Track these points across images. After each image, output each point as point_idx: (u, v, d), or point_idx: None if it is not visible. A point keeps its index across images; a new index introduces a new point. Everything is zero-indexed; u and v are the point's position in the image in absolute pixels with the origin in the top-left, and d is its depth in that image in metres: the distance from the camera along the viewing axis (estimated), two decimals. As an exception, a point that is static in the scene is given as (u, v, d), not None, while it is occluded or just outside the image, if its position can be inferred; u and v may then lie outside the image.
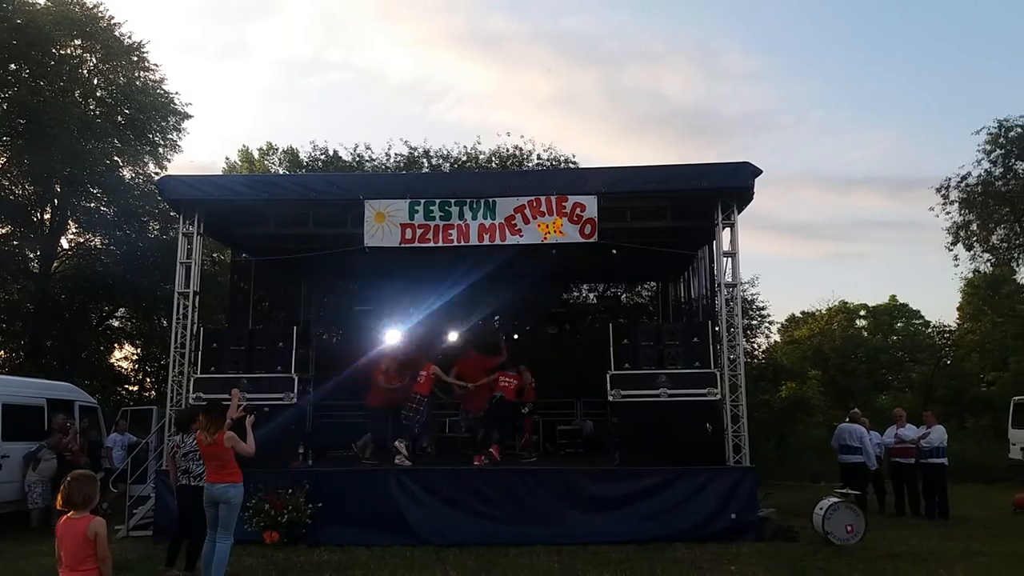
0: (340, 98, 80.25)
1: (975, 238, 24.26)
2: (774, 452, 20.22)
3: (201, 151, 60.38)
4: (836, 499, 9.86)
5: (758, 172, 10.92)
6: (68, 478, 4.72)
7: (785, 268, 63.04)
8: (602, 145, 74.78)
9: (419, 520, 10.09)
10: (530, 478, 10.46)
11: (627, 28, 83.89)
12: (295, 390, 10.92)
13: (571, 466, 11.42)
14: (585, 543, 9.50)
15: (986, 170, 23.29)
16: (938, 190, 24.24)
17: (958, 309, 30.91)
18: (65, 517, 4.64)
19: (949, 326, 31.30)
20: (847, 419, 13.16)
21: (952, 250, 24.73)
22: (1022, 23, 61.06)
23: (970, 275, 26.44)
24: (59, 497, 4.69)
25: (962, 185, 23.74)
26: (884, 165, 69.84)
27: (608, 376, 10.80)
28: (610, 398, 10.81)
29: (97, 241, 22.63)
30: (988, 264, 25.16)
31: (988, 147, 23.18)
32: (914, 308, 36.91)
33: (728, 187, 11.08)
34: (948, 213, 24.29)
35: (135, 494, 11.59)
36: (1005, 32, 63.27)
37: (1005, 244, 24.23)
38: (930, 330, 33.89)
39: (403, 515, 10.11)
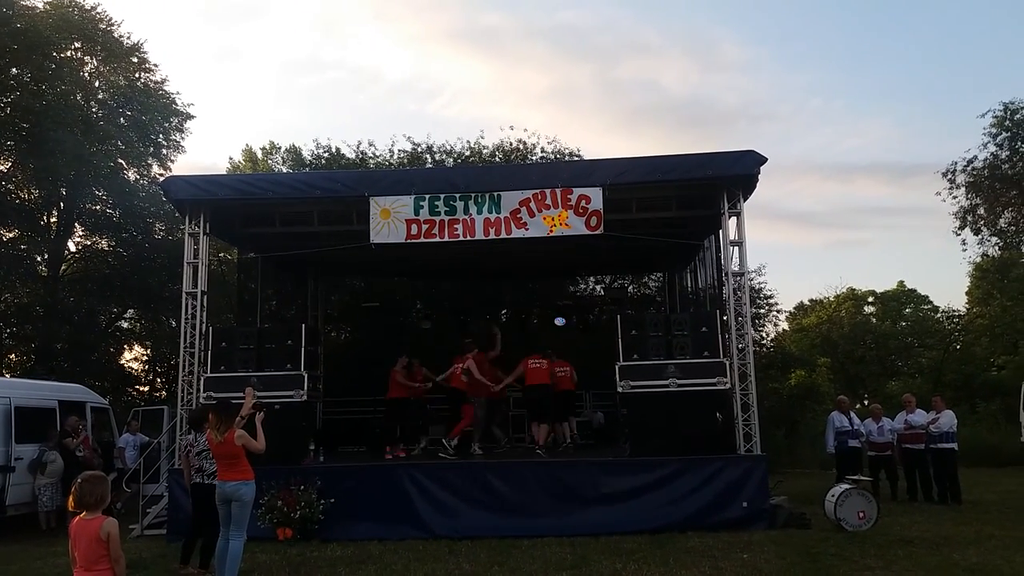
0: (337, 97, 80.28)
1: (983, 222, 24.12)
2: (785, 440, 20.21)
3: (204, 153, 60.42)
4: (848, 486, 9.86)
5: (763, 160, 10.89)
6: (79, 479, 4.71)
7: (789, 257, 62.92)
8: (599, 138, 74.81)
9: (431, 514, 10.13)
10: (541, 470, 10.48)
11: (621, 21, 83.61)
12: (305, 387, 10.97)
13: (582, 457, 11.43)
14: (597, 534, 9.52)
15: (992, 153, 23.18)
16: (944, 174, 24.14)
17: (967, 293, 30.80)
18: (78, 518, 4.65)
19: (958, 311, 31.20)
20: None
21: (960, 234, 24.65)
22: (1021, 5, 60.61)
23: (978, 259, 26.34)
24: (71, 499, 4.69)
25: (968, 169, 23.60)
26: (884, 152, 69.63)
27: (617, 367, 10.79)
28: (619, 389, 10.81)
29: (104, 243, 22.68)
30: (996, 248, 25.04)
31: (994, 130, 23.04)
32: (922, 294, 36.83)
33: (733, 175, 11.06)
34: (955, 197, 24.20)
35: (148, 493, 11.66)
36: (1004, 14, 62.87)
37: (1013, 227, 24.10)
38: (939, 315, 33.77)
39: (415, 509, 10.16)
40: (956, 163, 23.85)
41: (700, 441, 10.35)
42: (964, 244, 24.91)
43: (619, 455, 11.21)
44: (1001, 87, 60.23)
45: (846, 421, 12.78)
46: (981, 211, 23.96)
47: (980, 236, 24.51)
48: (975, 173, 23.49)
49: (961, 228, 24.43)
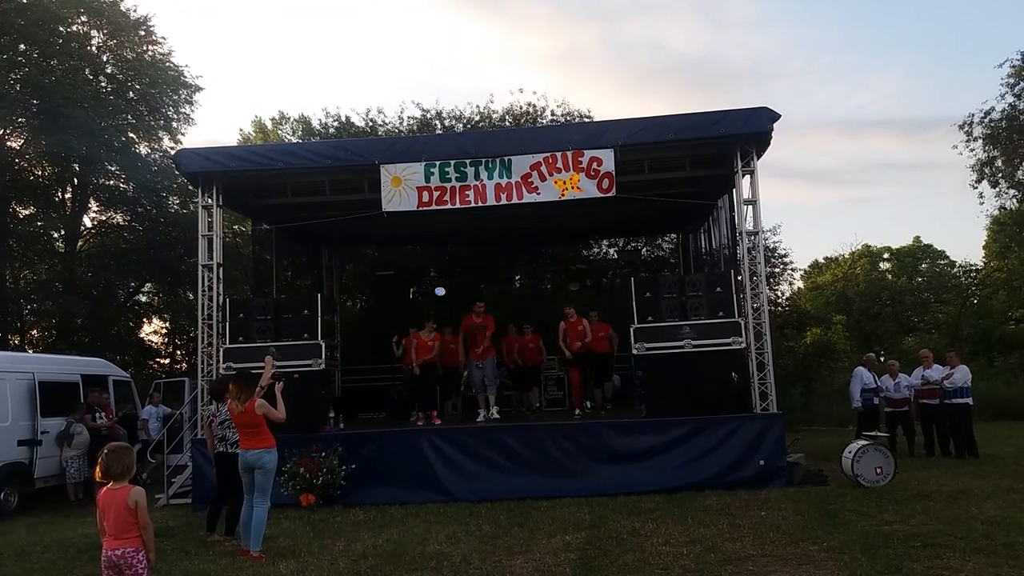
0: (341, 65, 79.32)
1: (1000, 174, 23.75)
2: (800, 398, 20.24)
3: (214, 125, 60.23)
4: (865, 442, 9.88)
5: (776, 116, 10.77)
6: (105, 450, 4.80)
7: (801, 214, 62.39)
8: (608, 101, 73.65)
9: (451, 477, 10.27)
10: (558, 433, 10.56)
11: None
12: (323, 356, 11.08)
13: (599, 419, 11.50)
14: (615, 494, 9.62)
15: (1010, 104, 22.68)
16: (961, 127, 23.69)
17: (984, 247, 30.42)
18: (105, 488, 4.73)
19: (975, 265, 30.87)
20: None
21: (977, 188, 24.31)
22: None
23: (996, 212, 25.98)
24: (97, 469, 4.78)
25: (986, 121, 23.16)
26: (895, 106, 68.51)
27: (631, 330, 10.81)
28: (634, 351, 10.83)
29: (119, 218, 22.80)
30: (1014, 200, 24.68)
31: (1012, 80, 22.54)
32: (939, 249, 36.43)
33: (747, 133, 10.94)
34: (972, 150, 23.77)
35: (172, 464, 11.88)
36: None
37: (1031, 179, 23.73)
38: (956, 270, 33.44)
39: (435, 473, 10.30)
40: (973, 115, 23.41)
41: (716, 401, 10.37)
42: (981, 197, 24.63)
43: (635, 417, 11.28)
44: (1015, 36, 58.78)
45: (871, 379, 12.78)
46: (999, 163, 23.57)
47: (998, 189, 24.19)
48: (992, 125, 23.04)
49: (978, 181, 24.10)
